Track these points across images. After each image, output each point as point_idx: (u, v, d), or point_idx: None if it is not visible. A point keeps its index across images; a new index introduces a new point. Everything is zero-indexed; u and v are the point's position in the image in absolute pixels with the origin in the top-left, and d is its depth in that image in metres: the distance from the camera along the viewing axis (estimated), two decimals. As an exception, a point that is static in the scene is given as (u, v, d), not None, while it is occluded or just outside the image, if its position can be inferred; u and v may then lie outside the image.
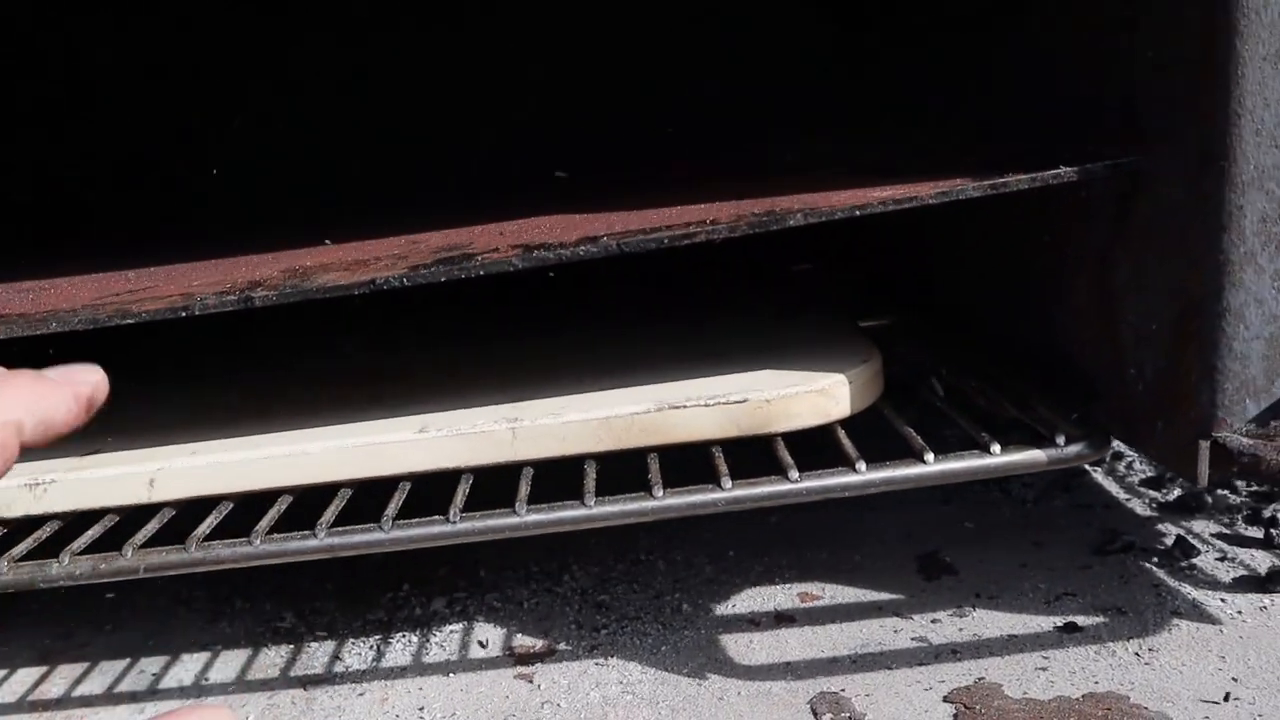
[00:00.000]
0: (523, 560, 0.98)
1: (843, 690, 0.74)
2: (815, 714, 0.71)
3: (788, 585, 0.89)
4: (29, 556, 0.65)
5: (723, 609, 0.86)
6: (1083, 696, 0.70)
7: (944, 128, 0.93)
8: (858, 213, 0.58)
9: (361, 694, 0.80)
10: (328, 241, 0.76)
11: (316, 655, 0.86)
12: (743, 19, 1.20)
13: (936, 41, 0.94)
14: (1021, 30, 0.76)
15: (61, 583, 0.63)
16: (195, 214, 1.22)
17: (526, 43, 1.27)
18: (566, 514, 0.61)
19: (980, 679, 0.73)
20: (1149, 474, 1.01)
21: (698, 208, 0.66)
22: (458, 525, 0.61)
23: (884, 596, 0.85)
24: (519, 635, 0.85)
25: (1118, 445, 1.07)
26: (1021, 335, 0.78)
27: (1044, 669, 0.74)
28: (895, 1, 1.01)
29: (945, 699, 0.71)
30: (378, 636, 0.88)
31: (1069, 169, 0.58)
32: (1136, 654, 0.74)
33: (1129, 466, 1.03)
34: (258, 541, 0.62)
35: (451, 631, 0.87)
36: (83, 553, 0.64)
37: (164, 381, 0.88)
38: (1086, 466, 1.03)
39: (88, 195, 1.24)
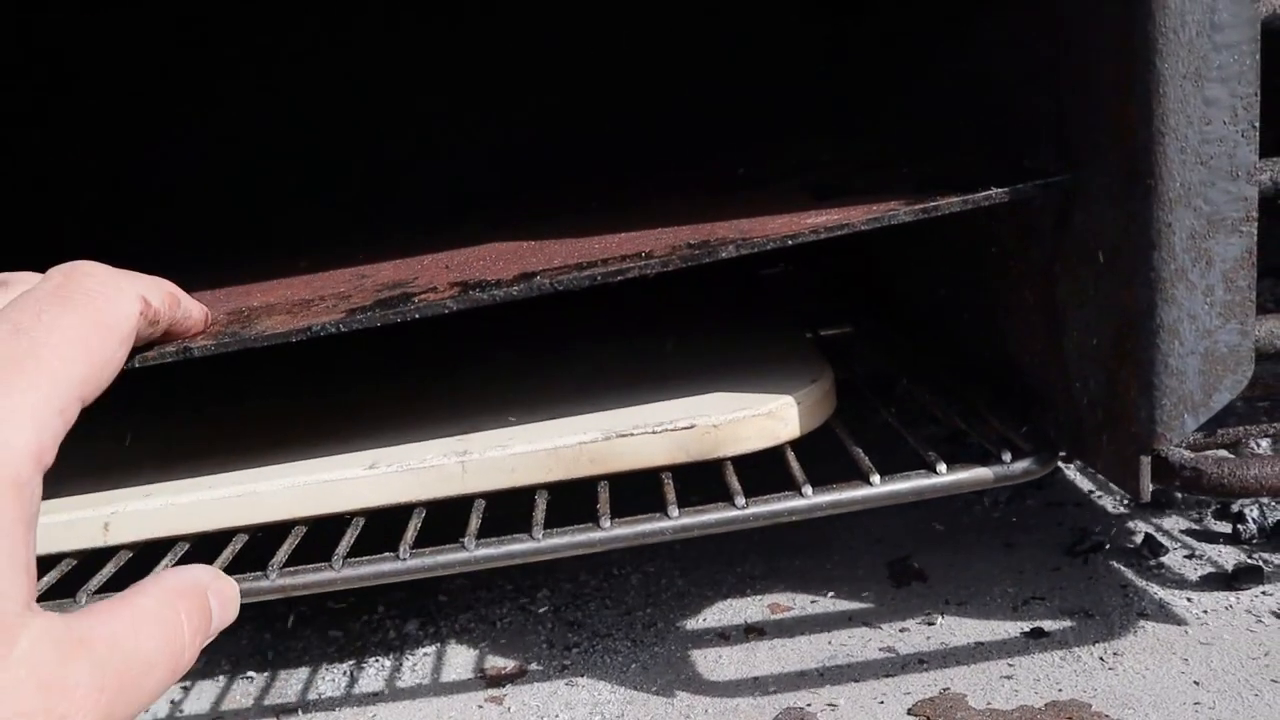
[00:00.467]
0: (497, 579, 0.98)
1: (809, 705, 0.74)
2: (779, 731, 0.72)
3: (759, 596, 0.89)
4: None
5: (693, 623, 0.87)
6: (1045, 705, 0.70)
7: (904, 132, 0.93)
8: (789, 243, 0.58)
9: (334, 722, 0.81)
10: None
11: (290, 683, 0.87)
12: (712, 27, 1.20)
13: (901, 42, 0.93)
14: (970, 41, 0.75)
15: (19, 632, 0.63)
16: (143, 234, 1.22)
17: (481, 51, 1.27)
18: (516, 548, 0.61)
19: (945, 689, 0.74)
20: (1120, 470, 1.01)
21: (639, 235, 0.66)
22: (408, 562, 0.61)
23: (854, 606, 0.86)
24: (490, 656, 0.86)
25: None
26: (974, 346, 0.78)
27: (1009, 677, 0.74)
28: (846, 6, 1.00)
29: (909, 711, 0.72)
30: (351, 662, 0.88)
31: (999, 190, 0.58)
32: (1101, 659, 0.75)
33: (1101, 463, 1.03)
34: (210, 585, 0.62)
35: (424, 654, 0.88)
36: (41, 598, 0.64)
37: (104, 423, 0.88)
38: (1059, 464, 1.03)
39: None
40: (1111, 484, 1.00)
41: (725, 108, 1.20)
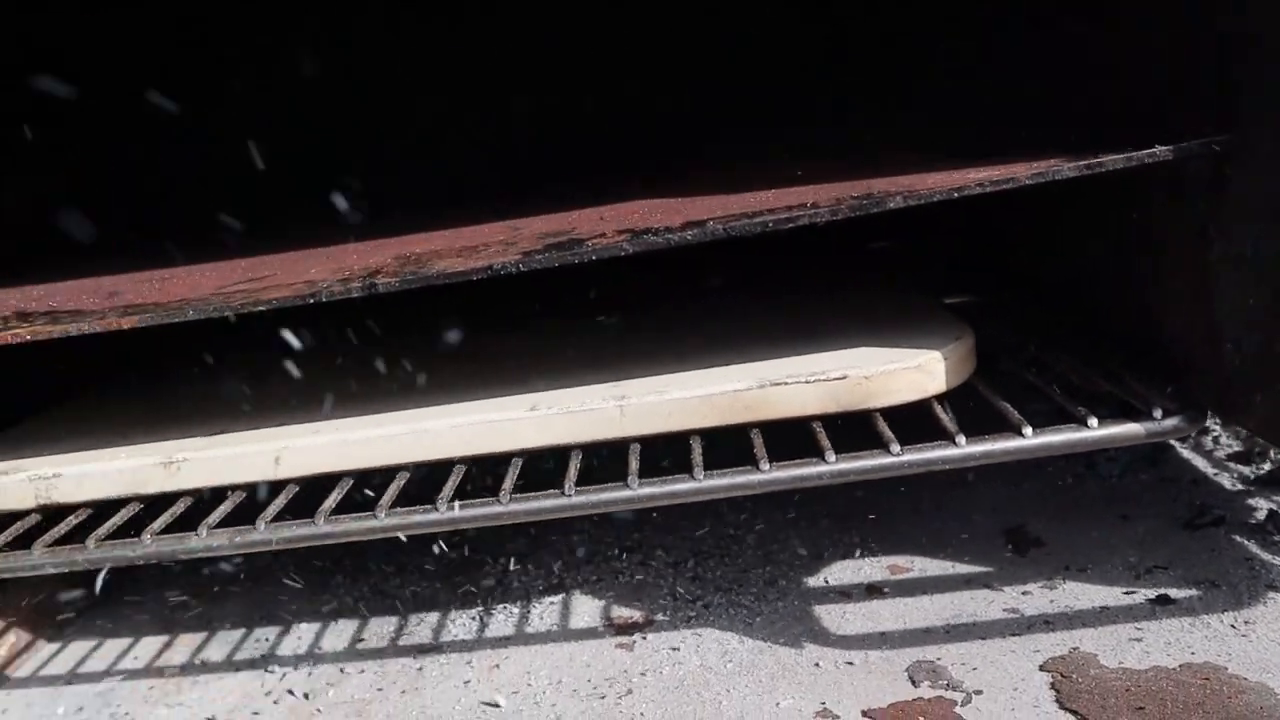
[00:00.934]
0: (615, 538, 1.01)
1: (939, 659, 0.76)
2: (914, 682, 0.73)
3: (876, 558, 0.90)
4: (166, 531, 0.69)
5: (813, 581, 0.88)
6: (1179, 666, 0.71)
7: (1010, 115, 0.94)
8: (955, 195, 0.59)
9: (469, 662, 0.83)
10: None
11: (422, 627, 0.90)
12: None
13: (1017, 28, 0.94)
14: (1111, 15, 0.76)
15: (200, 554, 0.67)
16: (259, 206, 1.27)
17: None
18: (678, 487, 0.64)
19: (1074, 649, 0.74)
20: (1236, 449, 1.01)
21: (790, 191, 0.68)
22: (573, 499, 0.64)
23: (973, 569, 0.87)
24: (616, 607, 0.88)
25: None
26: (1110, 312, 0.79)
27: (1138, 640, 0.75)
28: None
29: (1041, 668, 0.73)
30: (480, 609, 0.92)
31: (1164, 148, 0.59)
32: (1232, 626, 0.75)
33: (1215, 441, 1.03)
34: (383, 515, 0.65)
35: (550, 604, 0.91)
36: (217, 527, 0.68)
37: (275, 364, 0.92)
38: (1172, 442, 1.04)
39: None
40: (1227, 462, 1.00)
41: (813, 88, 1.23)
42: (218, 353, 1.00)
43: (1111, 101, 0.75)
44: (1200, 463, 1.00)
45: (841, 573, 0.89)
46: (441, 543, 1.01)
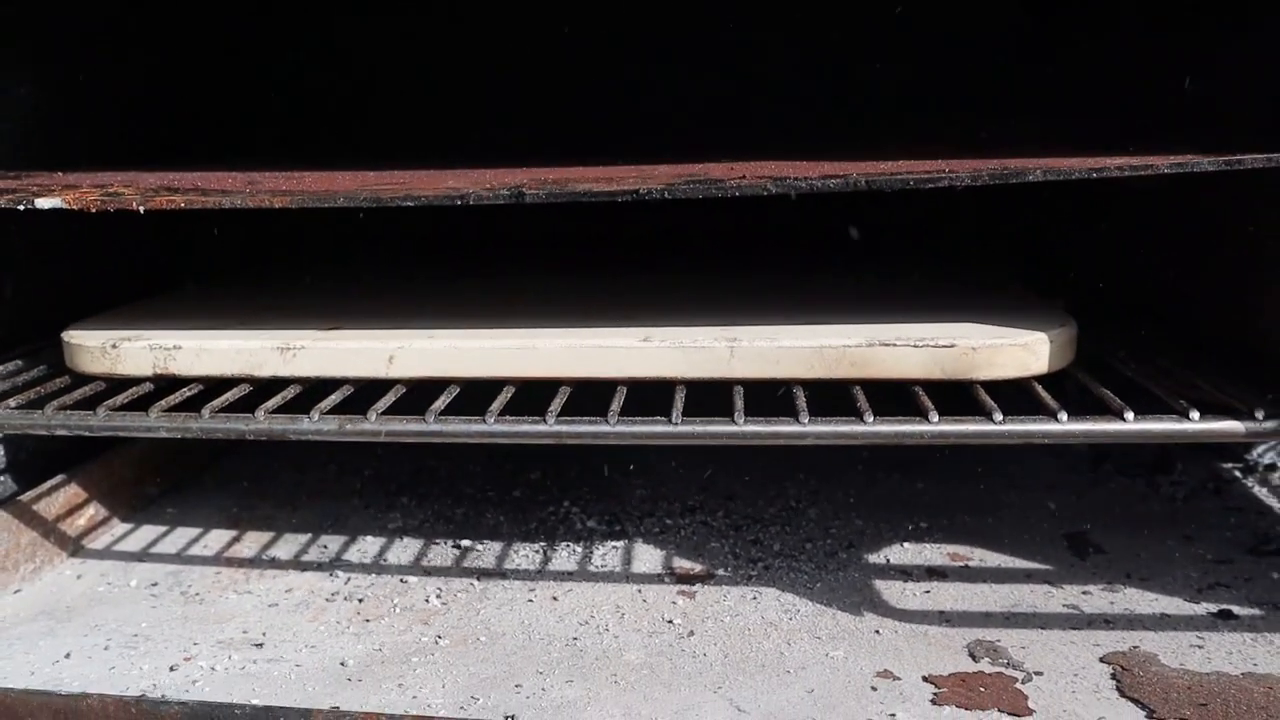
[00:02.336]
0: (677, 494, 1.03)
1: (998, 641, 0.77)
2: (974, 657, 0.75)
3: (937, 545, 0.92)
4: (278, 412, 0.72)
5: (874, 558, 0.90)
6: (1242, 675, 0.72)
7: (1140, 120, 0.95)
8: (1094, 175, 0.61)
9: (532, 590, 0.85)
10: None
11: (486, 554, 0.92)
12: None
13: (1143, 34, 0.96)
14: (1239, 25, 0.78)
15: (309, 437, 0.69)
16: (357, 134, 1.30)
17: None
18: (782, 429, 0.65)
19: (1135, 647, 0.75)
20: (1304, 486, 1.01)
21: (928, 163, 0.69)
22: (679, 428, 0.65)
23: (1033, 565, 0.88)
24: (677, 558, 0.90)
25: (1269, 457, 1.08)
26: (1211, 320, 0.80)
27: (1199, 647, 0.76)
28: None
29: (1102, 660, 0.74)
30: (543, 543, 0.93)
31: (1309, 152, 0.60)
32: (1295, 645, 0.76)
33: (1283, 477, 1.04)
34: (491, 421, 0.67)
35: (612, 547, 0.92)
36: (331, 411, 0.70)
37: (389, 280, 0.95)
38: (1238, 474, 1.05)
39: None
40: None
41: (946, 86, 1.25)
42: (334, 258, 1.03)
43: (1241, 114, 0.77)
44: (1266, 496, 1.01)
45: (902, 554, 0.91)
46: (506, 483, 1.03)
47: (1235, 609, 0.81)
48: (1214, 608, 0.81)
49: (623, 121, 1.28)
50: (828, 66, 1.28)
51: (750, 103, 1.30)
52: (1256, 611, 0.80)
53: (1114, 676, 0.72)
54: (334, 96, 1.35)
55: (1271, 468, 1.05)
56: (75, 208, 0.67)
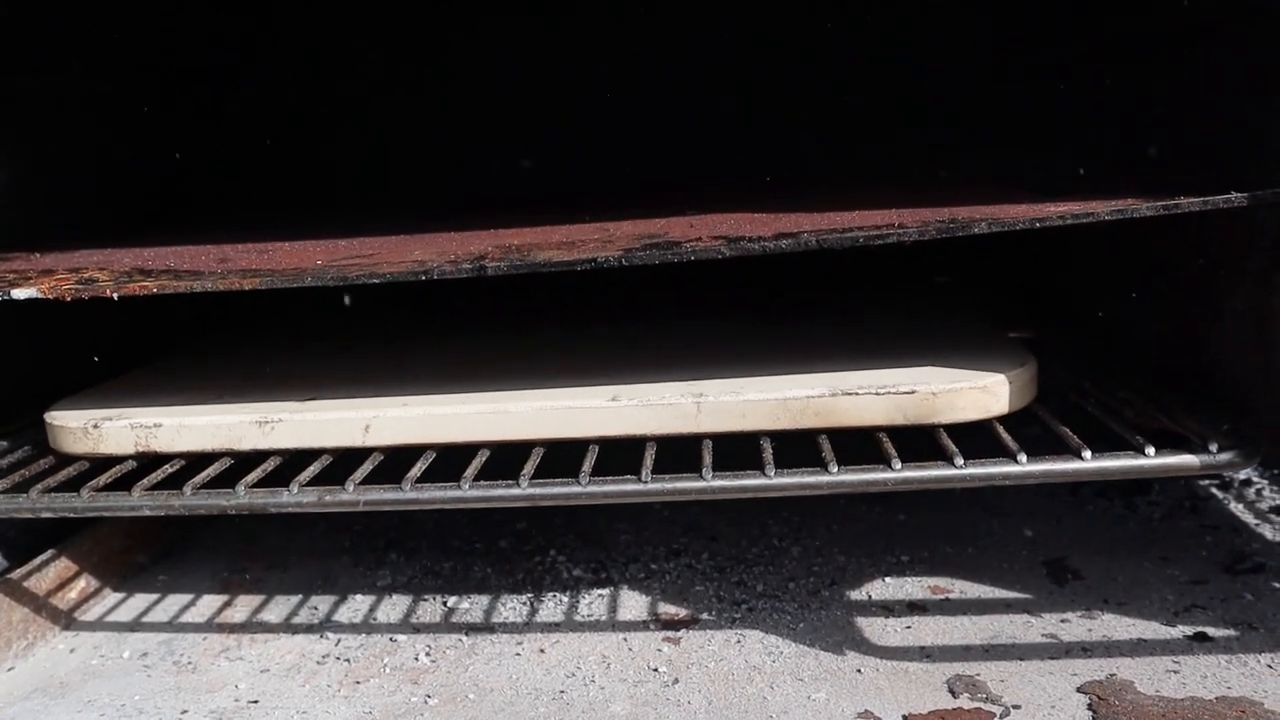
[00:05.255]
0: (661, 538, 1.04)
1: (978, 674, 0.78)
2: (953, 693, 0.76)
3: (918, 578, 0.93)
4: (258, 485, 0.73)
5: (856, 594, 0.91)
6: (1216, 699, 0.73)
7: (1090, 154, 0.97)
8: (1037, 224, 0.63)
9: (520, 643, 0.87)
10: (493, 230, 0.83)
11: (474, 608, 0.93)
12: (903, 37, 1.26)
13: (1094, 71, 0.98)
14: (1189, 64, 0.80)
15: (290, 509, 0.71)
16: (338, 195, 1.32)
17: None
18: (749, 482, 0.67)
19: (1112, 675, 0.77)
20: (1279, 501, 1.03)
21: (876, 214, 0.71)
22: (649, 485, 0.67)
23: (1012, 595, 0.89)
24: (662, 603, 0.91)
25: (1244, 473, 1.10)
26: (1166, 351, 0.82)
27: (1175, 671, 0.77)
28: (1056, 30, 1.05)
29: (1079, 689, 0.75)
30: (530, 594, 0.95)
31: (1239, 195, 0.62)
32: (1269, 666, 0.77)
33: (1258, 493, 1.05)
34: (466, 486, 0.69)
35: (598, 595, 0.94)
36: (310, 484, 0.72)
37: (362, 343, 0.96)
38: (1214, 492, 1.06)
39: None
40: (1269, 514, 1.02)
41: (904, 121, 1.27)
42: (308, 324, 1.05)
43: (1189, 150, 0.79)
44: (1242, 513, 1.03)
45: (883, 589, 0.92)
46: (492, 533, 1.04)
47: (1210, 630, 0.82)
48: (1189, 630, 0.82)
49: (595, 154, 1.31)
50: (799, 97, 1.31)
51: (718, 133, 1.33)
52: (1231, 632, 0.82)
53: (1090, 707, 0.73)
54: (310, 157, 1.37)
55: (1247, 483, 1.06)
56: (51, 297, 0.69)
